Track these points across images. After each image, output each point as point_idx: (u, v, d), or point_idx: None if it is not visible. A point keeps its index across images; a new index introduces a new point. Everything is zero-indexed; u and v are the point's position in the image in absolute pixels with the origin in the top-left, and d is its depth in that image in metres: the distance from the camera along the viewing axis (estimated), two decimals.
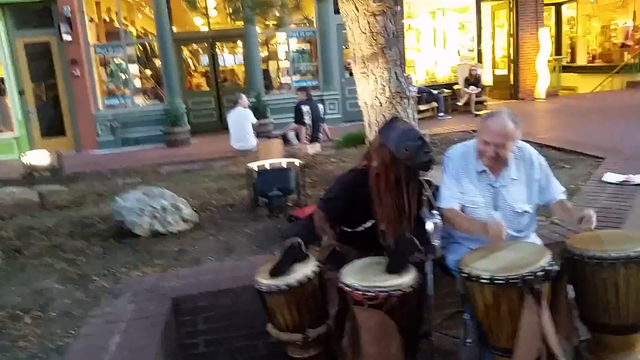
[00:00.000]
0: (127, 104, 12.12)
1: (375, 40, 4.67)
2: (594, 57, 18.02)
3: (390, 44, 4.74)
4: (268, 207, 4.43)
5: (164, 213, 4.12)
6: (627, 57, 15.60)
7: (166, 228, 4.12)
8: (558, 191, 2.68)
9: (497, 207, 2.61)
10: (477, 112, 7.91)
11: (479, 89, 12.62)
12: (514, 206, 2.59)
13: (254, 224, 4.28)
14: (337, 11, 12.44)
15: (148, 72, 12.98)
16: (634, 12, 15.85)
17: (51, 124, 11.80)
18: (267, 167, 4.58)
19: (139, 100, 12.50)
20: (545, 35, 13.73)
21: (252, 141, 8.51)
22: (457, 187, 2.66)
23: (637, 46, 15.43)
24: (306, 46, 12.99)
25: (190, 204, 4.73)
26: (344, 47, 12.36)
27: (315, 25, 12.39)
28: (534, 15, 13.81)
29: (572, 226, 3.45)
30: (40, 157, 7.58)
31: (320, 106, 8.90)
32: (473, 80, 12.63)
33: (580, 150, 6.26)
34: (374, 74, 4.75)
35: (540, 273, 2.07)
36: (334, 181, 2.81)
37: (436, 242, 3.04)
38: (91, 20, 11.66)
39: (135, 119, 11.79)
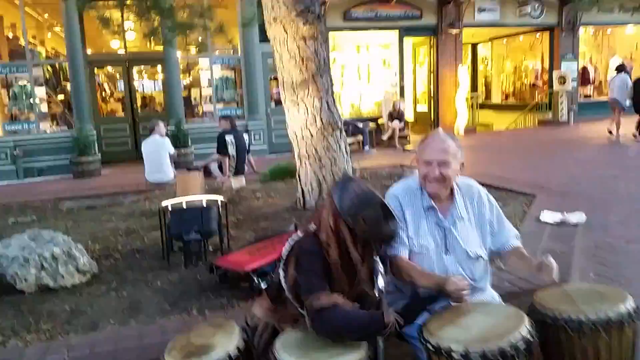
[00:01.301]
0: (32, 130, 11.05)
1: (306, 66, 4.33)
2: (507, 96, 18.95)
3: (322, 71, 4.42)
4: (184, 254, 3.79)
5: (54, 263, 3.40)
6: (538, 96, 16.46)
7: (57, 282, 3.40)
8: (511, 235, 2.38)
9: (448, 250, 2.26)
10: (406, 148, 7.77)
11: (402, 124, 12.70)
12: (466, 249, 2.25)
13: (167, 274, 3.63)
14: (262, 39, 12.26)
15: (60, 96, 11.92)
16: (542, 54, 16.83)
17: None
18: (184, 205, 3.98)
19: (45, 126, 11.45)
20: (464, 73, 14.18)
21: (169, 173, 7.82)
22: (403, 231, 2.28)
23: (545, 86, 16.32)
24: (230, 74, 12.56)
25: (90, 249, 4.04)
26: (269, 77, 12.05)
27: (240, 52, 12.01)
28: (453, 53, 14.24)
29: (522, 273, 3.20)
30: None
31: (246, 136, 8.38)
32: (397, 114, 12.68)
33: (509, 187, 6.18)
34: (305, 103, 4.39)
35: (522, 345, 1.71)
36: (298, 256, 2.09)
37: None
38: None
39: (40, 146, 10.77)
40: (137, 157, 11.67)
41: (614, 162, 8.44)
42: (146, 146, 7.92)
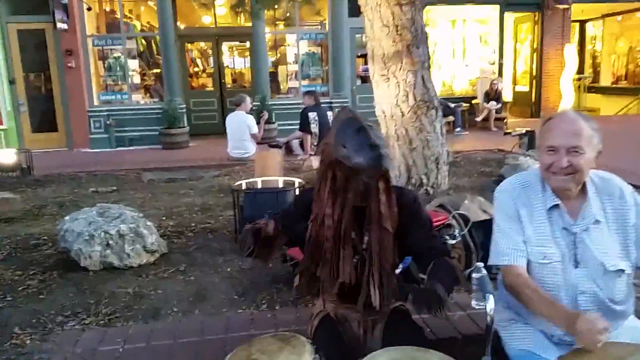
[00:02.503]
0: (124, 101, 11.36)
1: (400, 35, 3.82)
2: (618, 78, 17.20)
3: (418, 41, 3.90)
4: None
5: (120, 241, 3.21)
6: None
7: (123, 261, 3.20)
8: None
9: (578, 262, 1.75)
10: (508, 130, 7.04)
11: (500, 105, 11.81)
12: (603, 261, 1.72)
13: (238, 260, 3.34)
14: (352, 14, 11.81)
15: (152, 69, 12.19)
16: None
17: (43, 117, 11.00)
18: (259, 186, 3.66)
19: (137, 97, 11.74)
20: (572, 52, 12.92)
21: (250, 149, 7.65)
22: (518, 234, 1.80)
23: None
24: (317, 50, 12.22)
25: (163, 225, 3.83)
26: (357, 54, 11.58)
27: (327, 27, 11.61)
28: (560, 30, 13.00)
29: None
30: (5, 156, 6.68)
31: (330, 113, 8.01)
32: (494, 95, 11.81)
33: (629, 182, 5.34)
34: (396, 77, 3.90)
35: None
36: None
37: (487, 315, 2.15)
38: (89, 9, 10.88)
39: (131, 117, 11.03)
40: (224, 130, 11.76)
41: None
42: (230, 121, 7.79)
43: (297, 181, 3.75)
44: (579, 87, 13.80)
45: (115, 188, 5.74)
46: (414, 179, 4.00)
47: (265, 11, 8.35)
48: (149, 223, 3.45)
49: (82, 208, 3.72)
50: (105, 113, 10.89)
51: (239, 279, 3.05)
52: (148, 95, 12.04)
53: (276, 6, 7.20)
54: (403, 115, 3.93)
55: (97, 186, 5.85)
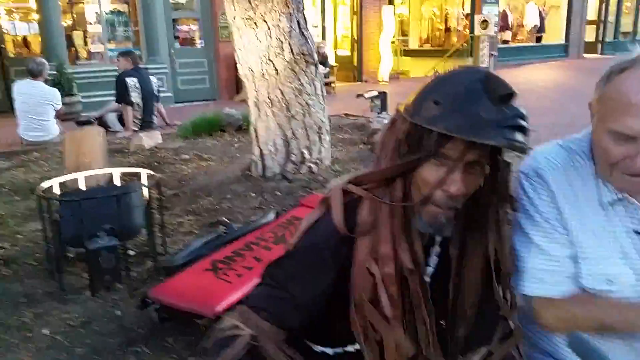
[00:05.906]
0: None
1: None
2: (424, 42, 18.39)
3: None
4: (90, 272, 2.17)
5: None
6: (458, 42, 16.01)
7: None
8: None
9: None
10: (360, 93, 6.52)
11: (327, 69, 11.56)
12: None
13: (60, 309, 2.06)
14: None
15: None
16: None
17: None
18: (82, 185, 2.39)
19: None
20: (390, 15, 13.14)
21: (54, 130, 5.97)
22: (560, 245, 1.09)
23: (466, 32, 15.93)
24: (123, 8, 10.47)
25: None
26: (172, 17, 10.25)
27: None
28: None
29: None
30: None
31: (153, 79, 6.57)
32: (321, 59, 11.42)
33: None
34: (266, 22, 2.91)
35: None
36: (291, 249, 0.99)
37: None
38: None
39: None
40: (7, 108, 9.57)
41: (557, 109, 7.71)
42: (24, 93, 5.90)
43: (143, 172, 2.52)
44: (397, 50, 14.21)
45: None
46: (295, 155, 3.11)
47: None
48: None
49: None
50: None
51: (68, 346, 1.83)
52: None
53: None
54: (277, 73, 2.98)
55: None
